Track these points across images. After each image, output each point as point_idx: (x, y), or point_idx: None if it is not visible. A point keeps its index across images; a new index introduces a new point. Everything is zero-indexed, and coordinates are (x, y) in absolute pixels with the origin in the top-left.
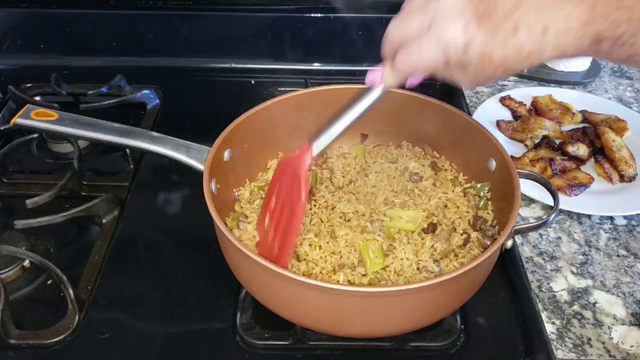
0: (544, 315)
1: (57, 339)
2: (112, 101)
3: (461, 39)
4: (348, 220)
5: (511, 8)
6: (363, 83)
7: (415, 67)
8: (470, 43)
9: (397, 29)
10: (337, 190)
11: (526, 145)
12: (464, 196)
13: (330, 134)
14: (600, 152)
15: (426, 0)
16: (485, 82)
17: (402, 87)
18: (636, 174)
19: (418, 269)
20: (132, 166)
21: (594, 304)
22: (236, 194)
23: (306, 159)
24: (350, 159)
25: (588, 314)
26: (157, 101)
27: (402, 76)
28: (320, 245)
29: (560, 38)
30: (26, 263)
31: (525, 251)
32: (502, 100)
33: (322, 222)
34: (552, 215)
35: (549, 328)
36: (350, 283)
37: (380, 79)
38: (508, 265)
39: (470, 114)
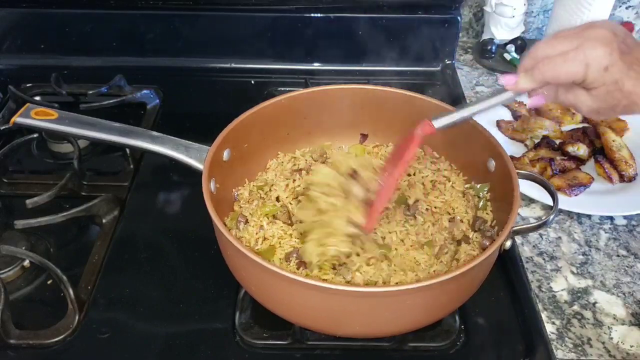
0: (544, 315)
1: (57, 339)
2: (112, 101)
3: (605, 60)
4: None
5: None
6: (362, 83)
7: (556, 75)
8: (611, 67)
9: (543, 49)
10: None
11: (526, 145)
12: (463, 197)
13: (452, 117)
14: (600, 152)
15: (577, 32)
16: (607, 111)
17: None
18: (636, 174)
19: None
20: (132, 166)
21: (594, 304)
22: (235, 193)
23: (422, 129)
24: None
25: (588, 314)
26: (157, 101)
27: (538, 83)
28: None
29: None
30: (26, 263)
31: (525, 251)
32: None
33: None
34: (552, 216)
35: (549, 328)
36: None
37: (514, 82)
38: (508, 265)
39: None
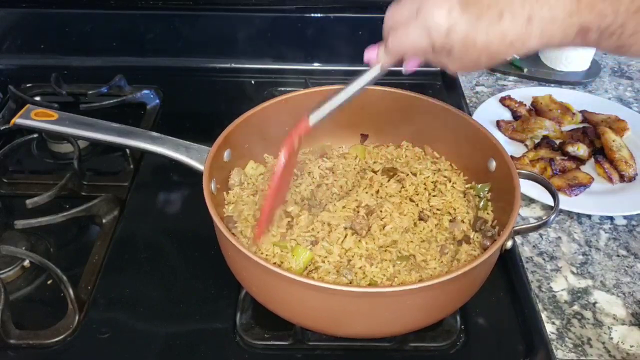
0: (544, 315)
1: (57, 339)
2: (112, 101)
3: (444, 23)
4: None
5: None
6: None
7: (403, 48)
8: (453, 28)
9: (390, 15)
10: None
11: (526, 145)
12: (464, 197)
13: (327, 107)
14: (600, 152)
15: None
16: (471, 68)
17: (404, 81)
18: (636, 174)
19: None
20: (132, 166)
21: (594, 304)
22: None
23: (300, 128)
24: (350, 159)
25: (588, 314)
26: (157, 101)
27: (393, 57)
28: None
29: (545, 28)
30: (26, 263)
31: (525, 251)
32: (502, 100)
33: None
34: (552, 216)
35: (549, 328)
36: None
37: (375, 57)
38: (508, 266)
39: (470, 114)
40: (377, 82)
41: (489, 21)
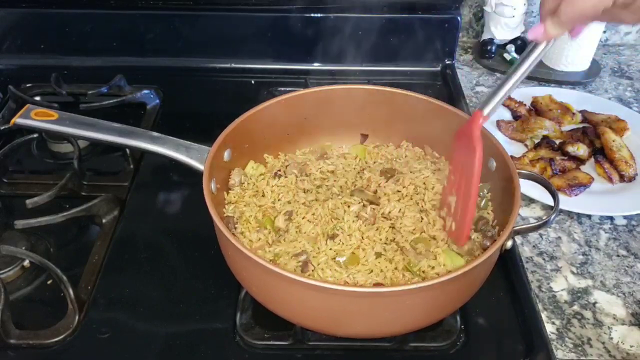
0: (544, 315)
1: (57, 339)
2: (112, 101)
3: None
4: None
5: None
6: (362, 83)
7: (582, 13)
8: None
9: None
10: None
11: (526, 145)
12: None
13: (497, 96)
14: (600, 152)
15: None
16: None
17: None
18: (636, 174)
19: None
20: (132, 166)
21: (594, 304)
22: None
23: (478, 123)
24: (350, 159)
25: (588, 314)
26: (157, 101)
27: (567, 26)
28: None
29: None
30: (26, 263)
31: (525, 251)
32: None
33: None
34: (553, 216)
35: (549, 328)
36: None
37: (542, 33)
38: (508, 266)
39: (470, 114)
40: (378, 81)
41: None
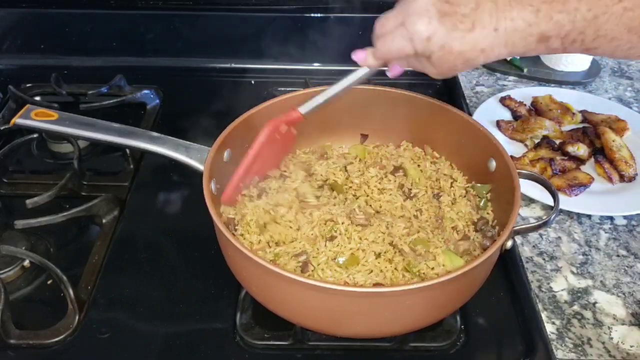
0: (544, 315)
1: (57, 339)
2: (112, 101)
3: (425, 31)
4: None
5: (470, 11)
6: (362, 83)
7: (389, 53)
8: (432, 36)
9: (379, 25)
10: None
11: (526, 145)
12: (465, 196)
13: (317, 100)
14: (600, 152)
15: (401, 7)
16: (449, 73)
17: (396, 80)
18: (636, 174)
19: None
20: (132, 166)
21: (594, 304)
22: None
23: (289, 114)
24: (350, 159)
25: (588, 314)
26: (157, 101)
27: (380, 60)
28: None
29: (509, 37)
30: (26, 263)
31: (525, 251)
32: (502, 100)
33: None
34: (553, 216)
35: (549, 328)
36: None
37: (363, 59)
38: (508, 266)
39: (470, 114)
40: (377, 82)
41: (462, 31)
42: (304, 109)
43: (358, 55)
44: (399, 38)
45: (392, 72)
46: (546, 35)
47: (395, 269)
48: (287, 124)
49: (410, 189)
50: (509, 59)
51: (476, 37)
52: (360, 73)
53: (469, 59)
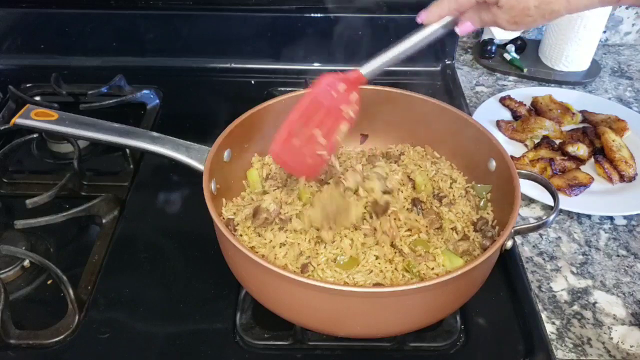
0: (544, 315)
1: (57, 339)
2: (112, 101)
3: None
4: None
5: None
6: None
7: (456, 2)
8: None
9: None
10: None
11: (526, 145)
12: (465, 196)
13: (380, 59)
14: (600, 152)
15: None
16: (522, 20)
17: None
18: (636, 174)
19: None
20: (132, 166)
21: (594, 304)
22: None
23: (351, 74)
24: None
25: (588, 314)
26: (157, 101)
27: (448, 11)
28: None
29: None
30: (26, 263)
31: (525, 251)
32: (502, 100)
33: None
34: (552, 216)
35: (549, 328)
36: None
37: (429, 16)
38: (508, 266)
39: (470, 114)
40: (377, 82)
41: None
42: (365, 69)
43: (422, 15)
44: None
45: (462, 28)
46: None
47: (395, 269)
48: (345, 82)
49: (418, 197)
50: (508, 58)
51: None
52: (427, 31)
53: (543, 12)
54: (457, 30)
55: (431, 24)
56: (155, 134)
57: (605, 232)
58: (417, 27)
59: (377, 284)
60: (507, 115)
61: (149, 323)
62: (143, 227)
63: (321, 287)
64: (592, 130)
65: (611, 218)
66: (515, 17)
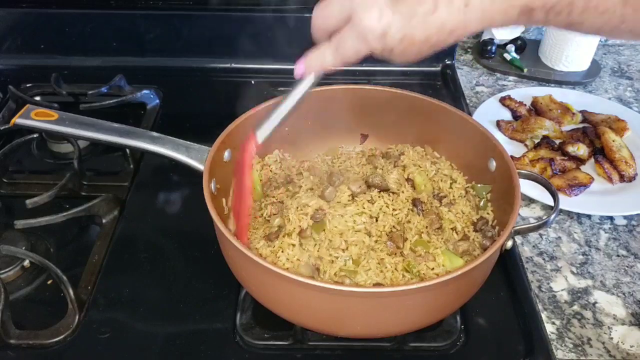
0: (544, 316)
1: (57, 339)
2: (112, 101)
3: (378, 27)
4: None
5: None
6: (363, 83)
7: (342, 58)
8: (388, 30)
9: (320, 17)
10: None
11: (526, 145)
12: (465, 196)
13: (271, 123)
14: (600, 152)
15: None
16: (415, 60)
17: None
18: (636, 173)
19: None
20: (132, 166)
21: (594, 304)
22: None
23: (249, 146)
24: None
25: (588, 314)
26: (157, 101)
27: (338, 64)
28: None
29: (485, 10)
30: (26, 263)
31: (525, 251)
32: (502, 100)
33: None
34: (553, 216)
35: (549, 328)
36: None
37: (309, 69)
38: (508, 266)
39: (470, 114)
40: (378, 81)
41: (423, 15)
42: (260, 136)
43: (301, 68)
44: (350, 40)
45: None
46: (530, 6)
47: (395, 269)
48: (250, 153)
49: (418, 198)
50: (508, 58)
51: (442, 18)
52: (308, 83)
53: (436, 43)
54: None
55: (311, 76)
56: (155, 134)
57: (605, 232)
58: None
59: (377, 284)
60: (507, 115)
61: (149, 323)
62: (143, 227)
63: (321, 287)
64: (592, 130)
65: (611, 218)
66: (408, 61)
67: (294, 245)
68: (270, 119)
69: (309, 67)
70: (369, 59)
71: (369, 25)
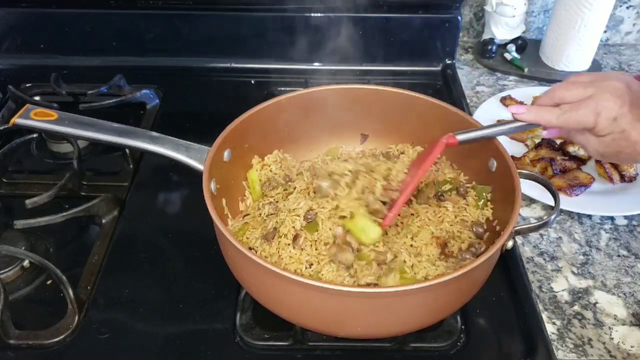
0: (544, 316)
1: (57, 339)
2: (111, 101)
3: (615, 111)
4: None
5: None
6: (362, 83)
7: (568, 121)
8: (620, 118)
9: (560, 91)
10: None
11: (526, 145)
12: (465, 196)
13: (474, 134)
14: None
15: (593, 80)
16: (612, 156)
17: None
18: (637, 173)
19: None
20: (132, 166)
21: (595, 304)
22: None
23: (446, 139)
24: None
25: (589, 314)
26: (157, 101)
27: (557, 125)
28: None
29: None
30: (26, 263)
31: (526, 251)
32: (503, 100)
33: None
34: (553, 216)
35: (550, 328)
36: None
37: (520, 113)
38: (509, 266)
39: (470, 114)
40: (378, 81)
41: None
42: (461, 137)
43: (516, 109)
44: (583, 110)
45: (550, 134)
46: None
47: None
48: (445, 144)
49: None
50: (509, 58)
51: None
52: (517, 124)
53: (637, 152)
54: (544, 132)
55: (525, 123)
56: (155, 133)
57: (606, 232)
58: None
59: (376, 284)
60: (507, 115)
61: (149, 323)
62: (143, 227)
63: (321, 287)
64: None
65: (612, 218)
66: (605, 154)
67: (290, 245)
68: (475, 132)
69: (527, 115)
70: (368, 58)
71: (609, 107)
